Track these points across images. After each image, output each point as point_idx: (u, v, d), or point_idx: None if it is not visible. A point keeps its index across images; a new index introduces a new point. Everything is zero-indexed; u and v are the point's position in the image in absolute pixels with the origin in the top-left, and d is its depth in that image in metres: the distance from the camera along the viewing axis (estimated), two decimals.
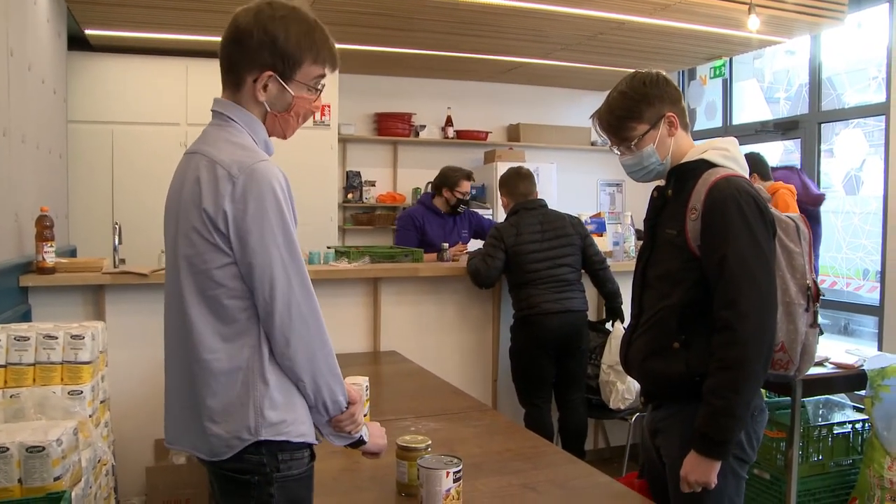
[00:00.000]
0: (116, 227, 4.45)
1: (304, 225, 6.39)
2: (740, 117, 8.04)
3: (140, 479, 3.98)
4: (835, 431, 4.06)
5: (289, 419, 1.72)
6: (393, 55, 7.11)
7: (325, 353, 1.79)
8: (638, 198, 9.32)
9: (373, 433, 1.94)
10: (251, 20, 1.75)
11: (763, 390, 4.61)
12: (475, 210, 5.82)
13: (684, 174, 2.21)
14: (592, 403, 4.45)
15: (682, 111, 2.26)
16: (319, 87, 1.85)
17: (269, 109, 1.80)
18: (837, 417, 4.30)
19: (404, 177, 8.38)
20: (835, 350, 4.37)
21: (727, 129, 8.08)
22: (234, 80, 1.78)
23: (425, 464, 1.97)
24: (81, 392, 2.60)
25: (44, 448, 2.01)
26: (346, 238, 8.13)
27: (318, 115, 6.99)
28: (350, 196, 8.13)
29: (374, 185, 8.28)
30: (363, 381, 2.71)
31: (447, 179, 5.39)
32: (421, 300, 4.55)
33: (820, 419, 4.29)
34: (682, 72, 8.63)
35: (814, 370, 3.80)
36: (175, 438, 1.82)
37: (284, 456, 1.72)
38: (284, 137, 1.90)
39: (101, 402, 2.92)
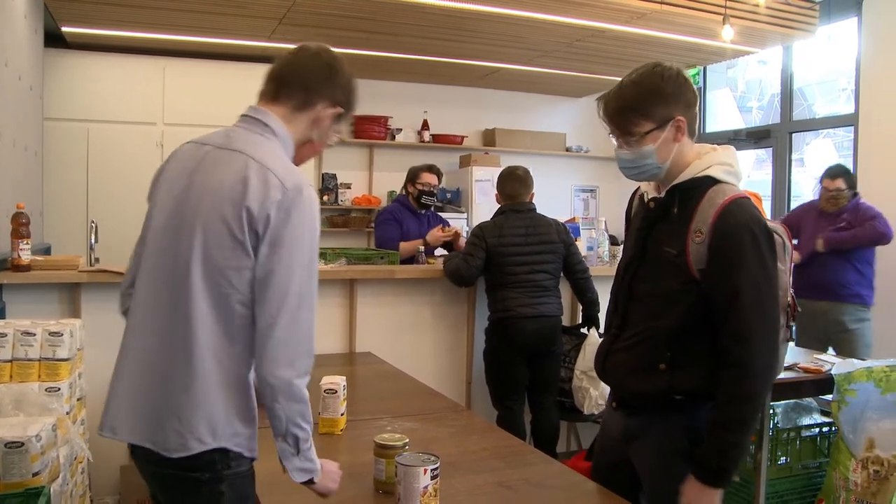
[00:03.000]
0: (92, 225, 4.44)
1: None
2: (713, 125, 8.15)
3: (114, 477, 3.97)
4: (802, 434, 4.13)
5: (249, 434, 1.79)
6: (370, 58, 7.12)
7: (304, 382, 1.79)
8: (611, 203, 9.40)
9: (326, 472, 1.92)
10: (342, 64, 1.98)
11: None
12: (445, 220, 5.81)
13: (687, 192, 2.11)
14: (565, 407, 4.49)
15: (694, 117, 2.14)
16: (338, 137, 2.05)
17: (313, 138, 1.95)
18: (805, 421, 4.37)
19: (380, 180, 8.39)
20: (803, 356, 4.47)
21: (700, 137, 8.10)
22: (303, 100, 1.90)
23: (403, 461, 1.99)
24: (59, 389, 2.61)
25: (23, 444, 2.02)
26: (322, 239, 8.06)
27: None
28: (325, 198, 8.13)
29: (349, 188, 8.29)
30: (340, 380, 2.74)
31: (410, 174, 5.45)
32: (396, 302, 4.57)
33: (788, 423, 4.36)
34: None
35: (783, 374, 3.88)
36: (121, 427, 1.80)
37: (233, 456, 1.77)
38: (297, 164, 1.95)
39: (79, 399, 2.92)
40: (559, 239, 4.36)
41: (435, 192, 5.44)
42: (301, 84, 1.90)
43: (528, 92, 8.78)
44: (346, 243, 7.85)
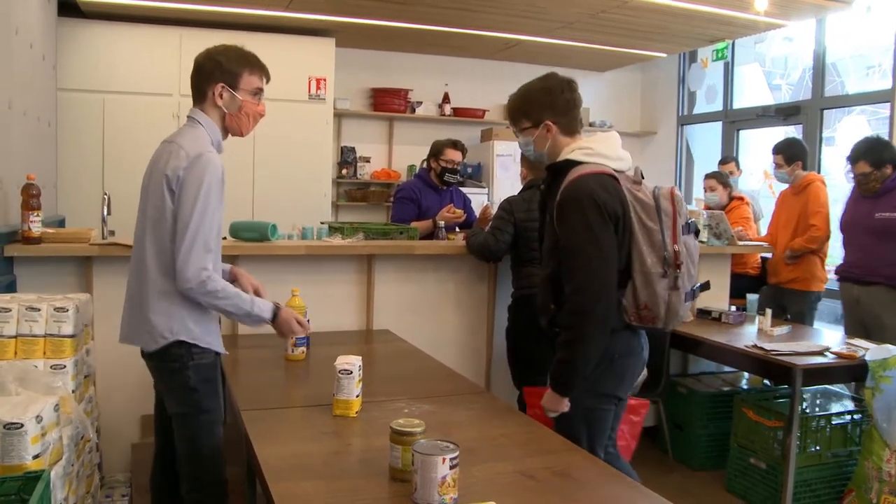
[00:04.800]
0: (105, 197, 4.34)
1: (298, 199, 6.34)
2: (741, 101, 7.94)
3: (125, 455, 3.90)
4: (833, 422, 4.00)
5: (201, 330, 2.54)
6: (390, 29, 6.99)
7: (205, 283, 2.44)
8: None
9: (283, 319, 2.69)
10: (203, 56, 2.63)
11: (760, 377, 4.57)
12: (467, 195, 5.67)
13: (555, 172, 2.76)
14: None
15: (570, 120, 2.76)
16: (261, 94, 2.70)
17: (226, 111, 2.63)
18: (835, 408, 4.24)
19: (399, 153, 8.29)
20: (835, 339, 4.32)
21: (727, 114, 7.98)
22: (200, 95, 2.63)
23: (421, 449, 1.88)
24: (64, 366, 2.52)
25: (22, 425, 1.92)
26: (340, 214, 8.04)
27: (313, 89, 6.89)
28: (344, 172, 8.03)
29: (368, 162, 8.19)
30: (356, 360, 2.63)
31: (433, 149, 5.28)
32: (415, 278, 4.46)
33: (818, 409, 4.23)
34: (683, 54, 8.53)
35: (814, 359, 3.76)
36: (126, 336, 2.61)
37: (197, 350, 2.53)
38: (242, 135, 2.73)
39: (86, 376, 2.84)
40: None
41: (458, 169, 5.29)
42: (194, 87, 2.64)
43: (551, 65, 8.54)
44: (364, 218, 7.78)
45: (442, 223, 4.85)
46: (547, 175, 2.87)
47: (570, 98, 2.77)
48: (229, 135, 2.72)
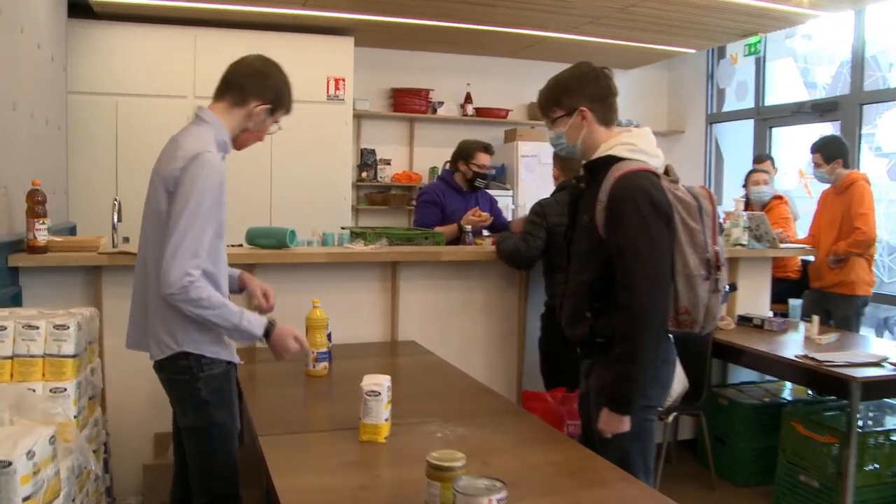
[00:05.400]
0: (116, 203, 4.14)
1: (316, 203, 6.12)
2: (774, 98, 7.66)
3: (137, 476, 3.69)
4: (892, 438, 3.73)
5: (206, 340, 2.40)
6: (410, 27, 6.77)
7: (188, 290, 2.28)
8: None
9: (279, 335, 2.51)
10: (269, 67, 2.54)
11: (805, 388, 4.31)
12: (495, 197, 5.42)
13: (595, 168, 2.59)
14: None
15: (606, 107, 2.58)
16: (277, 127, 2.63)
17: (249, 128, 2.53)
18: (890, 422, 3.97)
19: (421, 155, 8.06)
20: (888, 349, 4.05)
21: (759, 111, 7.71)
22: (239, 98, 2.48)
23: (463, 489, 1.65)
24: (65, 389, 2.30)
25: (10, 463, 1.69)
26: (360, 218, 7.83)
27: (332, 90, 6.69)
28: (364, 174, 7.82)
29: (389, 164, 7.98)
30: (384, 381, 2.40)
31: (463, 151, 5.02)
32: (442, 286, 4.22)
33: (871, 423, 3.96)
34: (712, 50, 8.26)
35: (873, 371, 3.49)
36: (134, 342, 2.51)
37: (206, 361, 2.40)
38: (240, 149, 2.62)
39: (91, 398, 2.62)
40: None
41: (488, 174, 5.04)
42: (238, 86, 2.48)
43: (575, 63, 8.34)
44: (385, 222, 7.57)
45: (468, 227, 4.61)
46: (585, 172, 2.68)
47: (606, 84, 2.60)
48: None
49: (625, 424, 2.48)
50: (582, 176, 2.71)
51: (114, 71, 6.18)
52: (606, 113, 2.59)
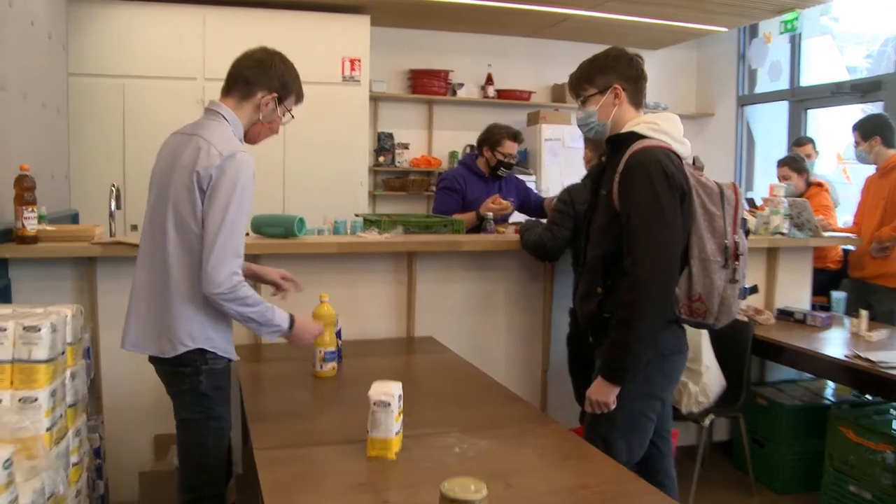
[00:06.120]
0: (113, 189, 3.89)
1: (331, 189, 5.82)
2: (810, 78, 7.29)
3: (133, 483, 3.47)
4: None
5: (221, 338, 2.43)
6: (428, 5, 6.48)
7: (234, 289, 2.29)
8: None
9: (300, 329, 2.52)
10: (271, 57, 2.52)
11: (848, 389, 4.01)
12: (520, 179, 5.12)
13: (617, 144, 2.59)
14: None
15: (637, 89, 2.63)
16: (290, 116, 2.62)
17: (260, 119, 2.52)
18: None
19: (440, 139, 7.77)
20: None
21: (794, 92, 7.35)
22: (246, 92, 2.49)
23: None
24: (36, 399, 2.04)
25: None
26: (377, 204, 7.56)
27: (347, 71, 6.41)
28: (381, 159, 7.55)
29: (407, 148, 7.70)
30: (395, 389, 2.13)
31: (490, 137, 4.72)
32: (462, 278, 3.94)
33: None
34: (743, 29, 7.90)
35: None
36: (135, 343, 2.45)
37: (210, 356, 2.41)
38: (254, 143, 2.60)
39: (72, 405, 2.37)
40: None
41: (513, 162, 4.74)
42: (242, 80, 2.48)
43: (601, 43, 7.89)
44: (403, 208, 7.32)
45: (490, 215, 4.32)
46: (606, 147, 2.71)
47: (639, 67, 2.65)
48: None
49: (611, 395, 2.49)
50: (605, 151, 2.73)
51: (120, 52, 5.94)
52: (638, 95, 2.64)
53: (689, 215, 2.49)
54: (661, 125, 2.56)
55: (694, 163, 2.64)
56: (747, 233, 2.65)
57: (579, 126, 2.76)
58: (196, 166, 2.29)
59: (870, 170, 5.07)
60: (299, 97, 2.60)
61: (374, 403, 2.09)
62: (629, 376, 2.46)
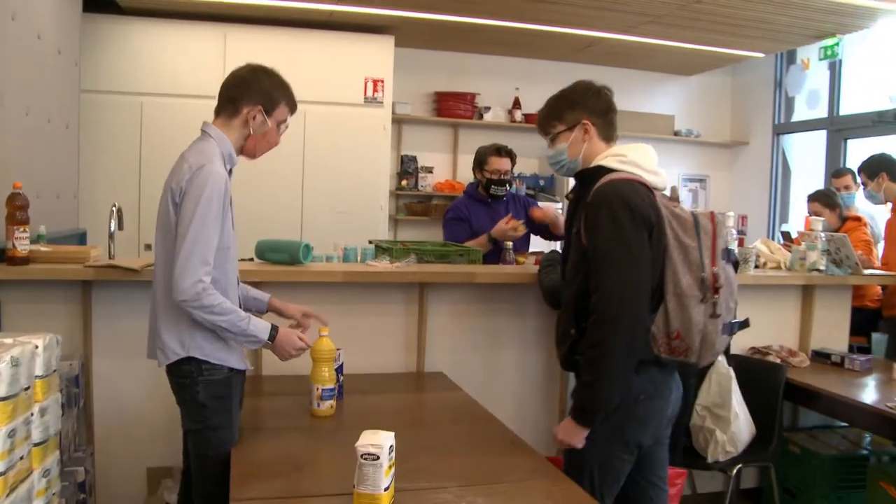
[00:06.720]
0: (114, 210, 3.74)
1: (351, 212, 5.65)
2: (850, 107, 7.02)
3: None
4: None
5: (211, 347, 2.44)
6: (455, 26, 6.32)
7: (200, 297, 2.32)
8: (721, 195, 8.40)
9: (282, 340, 2.53)
10: (251, 72, 2.55)
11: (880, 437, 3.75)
12: (529, 198, 4.90)
13: (586, 179, 2.55)
14: (679, 447, 3.57)
15: (607, 122, 2.58)
16: (285, 127, 2.64)
17: (252, 133, 2.55)
18: None
19: (465, 163, 7.50)
20: None
21: (833, 121, 7.09)
22: (232, 110, 2.52)
23: None
24: None
25: None
26: (399, 229, 7.40)
27: (370, 92, 6.27)
28: (404, 183, 7.39)
29: (431, 172, 7.55)
30: (385, 440, 1.92)
31: (476, 159, 4.55)
32: (476, 311, 3.71)
33: None
34: (780, 55, 7.67)
35: None
36: (147, 353, 2.56)
37: (207, 366, 2.43)
38: (253, 158, 2.66)
39: (38, 444, 2.19)
40: None
41: (506, 179, 4.51)
42: (228, 99, 2.53)
43: (632, 68, 7.88)
44: (425, 234, 7.13)
45: (509, 244, 4.11)
46: (575, 183, 2.67)
47: (608, 100, 2.62)
48: (242, 155, 2.63)
49: (578, 438, 2.42)
50: (573, 187, 2.69)
51: (138, 69, 5.87)
52: (607, 129, 2.59)
53: (662, 248, 2.40)
54: (629, 157, 2.50)
55: (671, 194, 2.58)
56: (736, 264, 2.55)
57: (550, 164, 2.72)
58: (171, 182, 2.41)
59: None
60: (291, 106, 2.62)
61: (362, 456, 1.89)
62: (598, 418, 2.38)
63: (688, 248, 2.40)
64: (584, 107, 2.57)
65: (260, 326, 2.46)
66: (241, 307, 2.62)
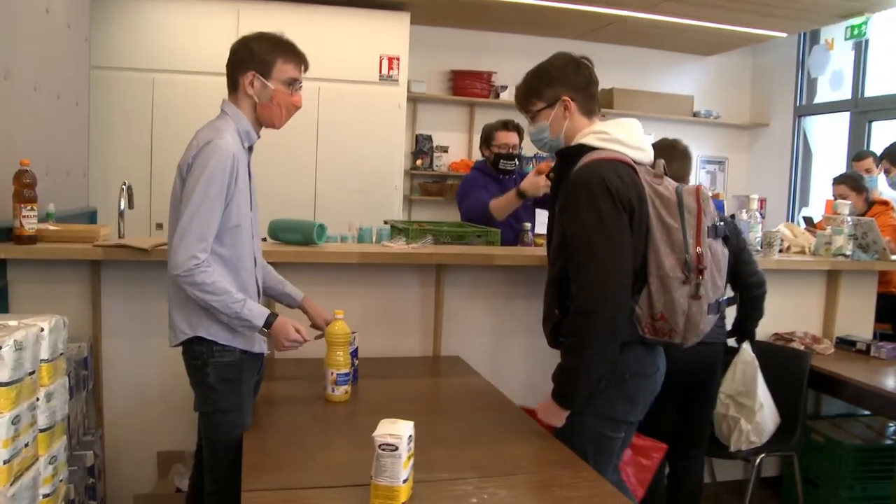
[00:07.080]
0: (124, 188, 3.66)
1: (365, 192, 5.54)
2: (875, 88, 6.86)
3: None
4: None
5: (220, 327, 2.42)
6: (472, 3, 6.21)
7: (194, 275, 2.30)
8: (740, 177, 8.27)
9: (279, 329, 2.47)
10: (240, 42, 2.51)
11: None
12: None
13: (567, 157, 2.49)
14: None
15: (588, 97, 2.50)
16: (297, 85, 2.52)
17: (257, 101, 2.48)
18: None
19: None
20: None
21: (857, 103, 6.94)
22: (233, 84, 2.50)
23: None
24: None
25: None
26: (413, 209, 7.30)
27: (385, 70, 6.14)
28: (419, 162, 7.28)
29: (446, 152, 7.43)
30: (405, 430, 1.84)
31: (483, 136, 4.46)
32: (494, 293, 3.63)
33: None
34: (803, 34, 7.50)
35: None
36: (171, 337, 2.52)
37: (217, 348, 2.43)
38: (276, 127, 2.57)
39: (45, 430, 2.12)
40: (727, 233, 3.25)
41: (515, 153, 4.37)
42: (228, 76, 2.51)
43: (649, 47, 7.73)
44: (440, 214, 7.04)
45: (528, 226, 4.00)
46: (556, 162, 2.62)
47: (588, 73, 2.52)
48: (264, 127, 2.58)
49: (557, 418, 2.44)
50: (555, 166, 2.66)
51: (150, 46, 5.74)
52: (588, 103, 2.52)
53: (644, 228, 2.34)
54: (611, 134, 2.43)
55: (656, 168, 2.47)
56: (726, 238, 2.46)
57: (533, 142, 2.66)
58: (182, 159, 2.40)
59: None
60: (293, 61, 2.50)
61: (380, 447, 1.81)
62: (579, 400, 2.39)
63: (670, 229, 2.34)
64: (564, 82, 2.48)
65: (255, 311, 2.41)
66: (259, 292, 2.62)
